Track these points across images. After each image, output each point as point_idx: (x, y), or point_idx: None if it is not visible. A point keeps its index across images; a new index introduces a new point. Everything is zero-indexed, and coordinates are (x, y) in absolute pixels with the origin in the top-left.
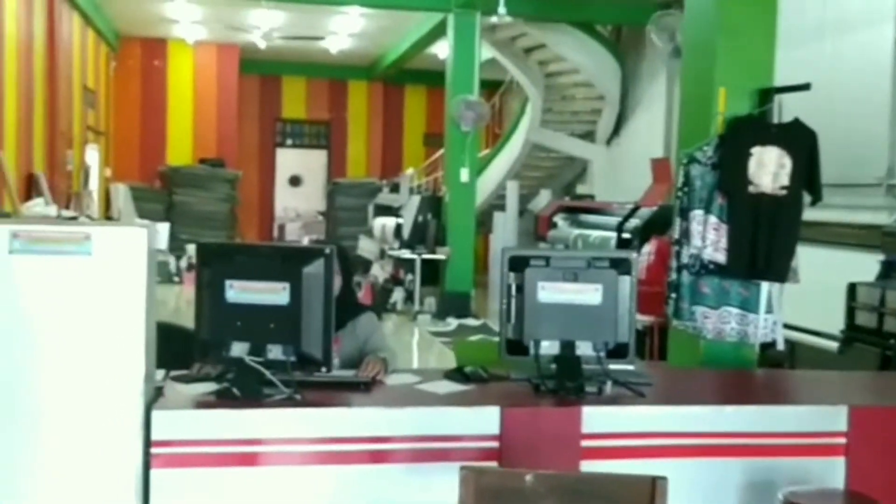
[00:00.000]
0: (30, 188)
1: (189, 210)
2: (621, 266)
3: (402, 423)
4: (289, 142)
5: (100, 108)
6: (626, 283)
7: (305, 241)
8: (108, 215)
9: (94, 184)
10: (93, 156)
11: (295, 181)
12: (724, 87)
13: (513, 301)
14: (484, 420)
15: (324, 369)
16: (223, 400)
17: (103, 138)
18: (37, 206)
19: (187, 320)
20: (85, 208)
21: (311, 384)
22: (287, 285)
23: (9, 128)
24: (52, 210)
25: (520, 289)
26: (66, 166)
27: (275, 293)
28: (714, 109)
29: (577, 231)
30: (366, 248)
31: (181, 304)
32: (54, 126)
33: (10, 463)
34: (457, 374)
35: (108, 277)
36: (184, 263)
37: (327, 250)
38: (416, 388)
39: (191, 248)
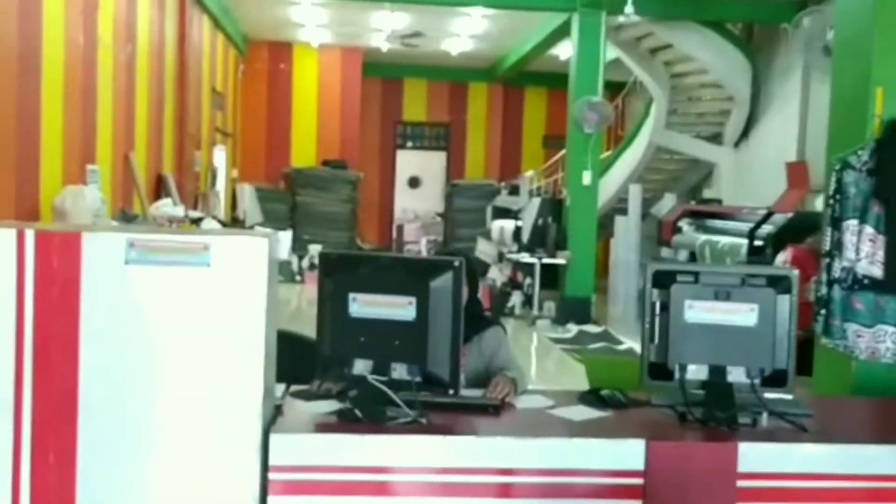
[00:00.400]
0: (159, 189)
1: (312, 211)
2: (780, 284)
3: (534, 455)
4: (409, 144)
5: (228, 110)
6: (785, 303)
7: (423, 243)
8: (234, 216)
9: (220, 184)
10: (220, 157)
11: (414, 182)
12: (881, 86)
13: (656, 320)
14: (626, 454)
15: (451, 391)
16: (344, 423)
17: (231, 140)
18: (165, 206)
19: (308, 321)
20: (212, 208)
21: (436, 405)
22: (413, 300)
23: (140, 130)
24: (180, 210)
25: (664, 307)
26: (195, 167)
27: (401, 308)
28: (870, 111)
29: (703, 237)
30: (484, 250)
31: (303, 304)
32: (183, 128)
33: (122, 485)
34: (592, 398)
35: (228, 290)
36: (306, 263)
37: (456, 262)
38: (549, 413)
39: (313, 249)
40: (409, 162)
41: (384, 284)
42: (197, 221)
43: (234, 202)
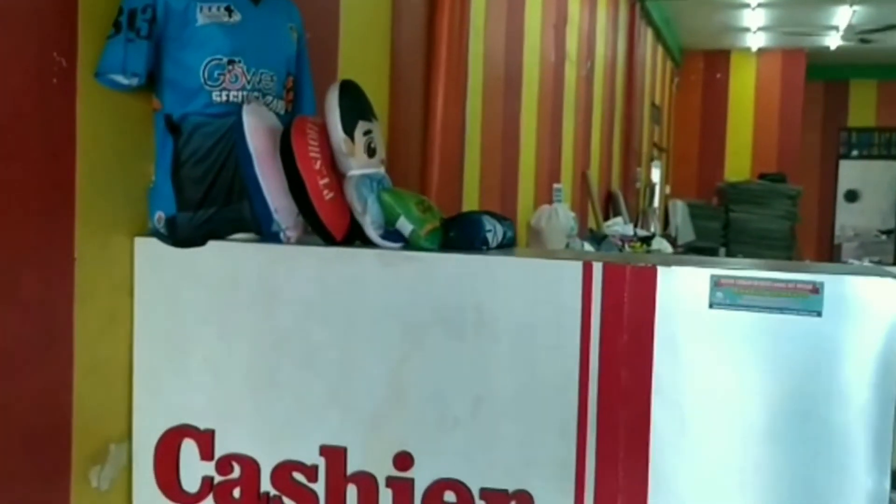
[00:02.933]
0: (607, 206)
1: (746, 228)
2: None
3: None
4: (854, 153)
5: (663, 124)
6: None
7: (866, 265)
8: (665, 233)
9: (656, 201)
10: (656, 173)
11: (851, 196)
12: None
13: None
14: None
15: None
16: None
17: (665, 155)
18: (616, 225)
19: None
20: (651, 226)
21: None
22: None
23: (594, 145)
24: (629, 229)
25: None
26: (636, 184)
27: None
28: None
29: None
30: None
31: None
32: (629, 144)
33: None
34: None
35: (844, 347)
36: None
37: None
38: None
39: None
40: (847, 173)
41: None
42: (646, 241)
43: (666, 219)
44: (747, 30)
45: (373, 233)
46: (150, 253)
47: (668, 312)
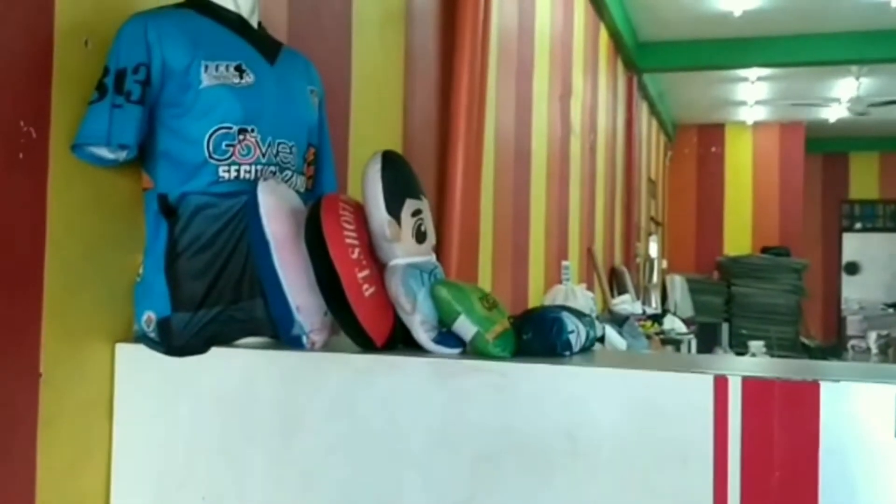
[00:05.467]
0: (611, 282)
1: (750, 302)
2: None
3: None
4: (857, 225)
5: (659, 198)
6: None
7: (873, 338)
8: (665, 308)
9: (655, 276)
10: (653, 247)
11: (851, 269)
12: None
13: None
14: None
15: None
16: None
17: (661, 229)
18: (624, 303)
19: None
20: (652, 302)
21: None
22: None
23: (599, 220)
24: (638, 307)
25: None
26: (636, 259)
27: None
28: None
29: None
30: None
31: None
32: (630, 218)
33: None
34: None
35: None
36: None
37: None
38: None
39: (753, 345)
40: (851, 246)
41: None
42: (657, 319)
43: (664, 294)
44: (743, 103)
45: (424, 336)
46: (135, 363)
47: (836, 444)
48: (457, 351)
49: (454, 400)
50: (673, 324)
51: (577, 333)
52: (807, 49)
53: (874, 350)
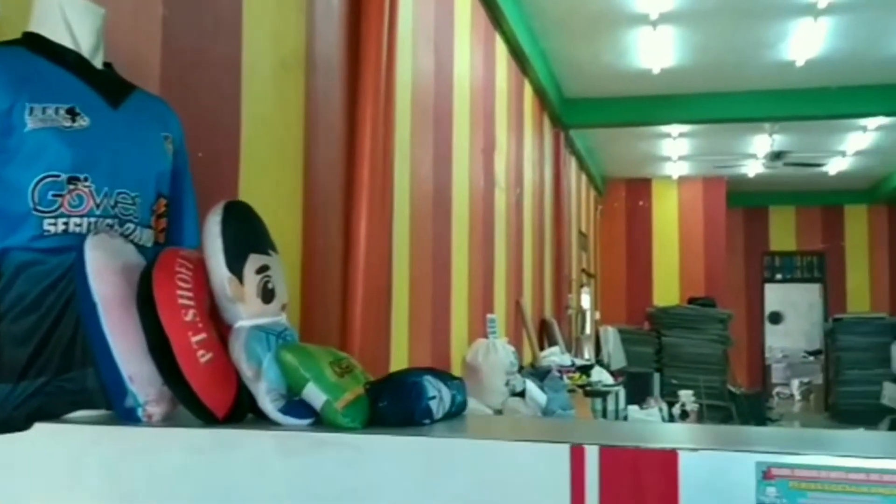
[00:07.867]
0: (541, 335)
1: (679, 353)
2: None
3: None
4: (777, 276)
5: (590, 251)
6: None
7: (795, 385)
8: (598, 359)
9: (587, 327)
10: (585, 299)
11: (774, 318)
12: None
13: None
14: None
15: None
16: None
17: (594, 280)
18: (553, 355)
19: None
20: (584, 353)
21: None
22: None
23: (527, 273)
24: (567, 359)
25: None
26: (567, 310)
27: None
28: None
29: None
30: (892, 396)
31: None
32: (560, 271)
33: None
34: None
35: None
36: (676, 411)
37: None
38: None
39: (683, 394)
40: (772, 296)
41: None
42: (585, 370)
43: (597, 345)
44: (668, 158)
45: (270, 406)
46: None
47: None
48: (306, 422)
49: (301, 476)
50: (601, 375)
51: (439, 399)
52: (721, 106)
53: (797, 396)
